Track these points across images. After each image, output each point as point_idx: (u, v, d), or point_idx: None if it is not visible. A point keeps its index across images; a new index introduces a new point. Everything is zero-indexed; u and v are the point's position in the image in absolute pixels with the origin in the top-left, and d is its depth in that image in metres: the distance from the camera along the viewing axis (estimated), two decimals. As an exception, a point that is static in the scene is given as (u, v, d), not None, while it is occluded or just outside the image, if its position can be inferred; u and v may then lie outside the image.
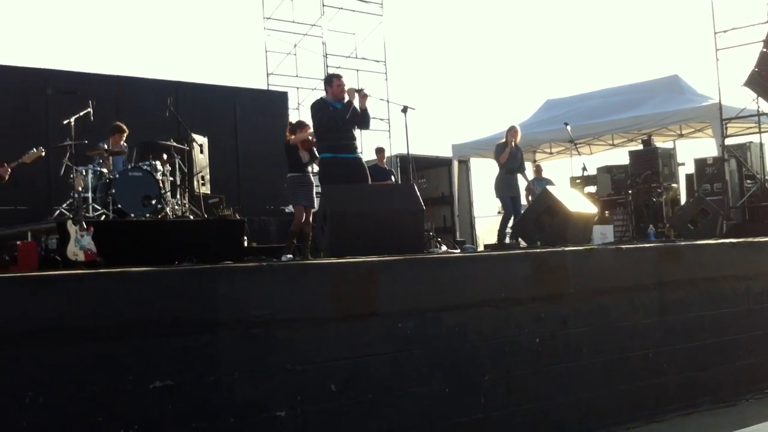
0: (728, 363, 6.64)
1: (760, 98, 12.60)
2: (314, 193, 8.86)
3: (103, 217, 8.31)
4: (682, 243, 7.33)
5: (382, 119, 18.04)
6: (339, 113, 7.91)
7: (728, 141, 13.21)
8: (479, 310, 5.26)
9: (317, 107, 8.08)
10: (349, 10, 18.55)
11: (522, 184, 11.50)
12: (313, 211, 8.71)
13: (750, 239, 7.85)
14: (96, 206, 8.48)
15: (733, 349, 6.69)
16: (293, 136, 8.77)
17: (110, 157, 9.25)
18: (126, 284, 4.06)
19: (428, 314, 5.01)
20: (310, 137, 8.63)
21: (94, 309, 3.91)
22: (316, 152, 8.57)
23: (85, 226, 6.33)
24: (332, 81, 8.27)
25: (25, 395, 3.68)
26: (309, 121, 8.70)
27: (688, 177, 14.24)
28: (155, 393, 3.95)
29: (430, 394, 4.92)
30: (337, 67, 17.53)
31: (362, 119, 8.16)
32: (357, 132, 8.39)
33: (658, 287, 6.29)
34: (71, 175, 8.41)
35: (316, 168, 9.21)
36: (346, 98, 8.03)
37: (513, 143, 11.16)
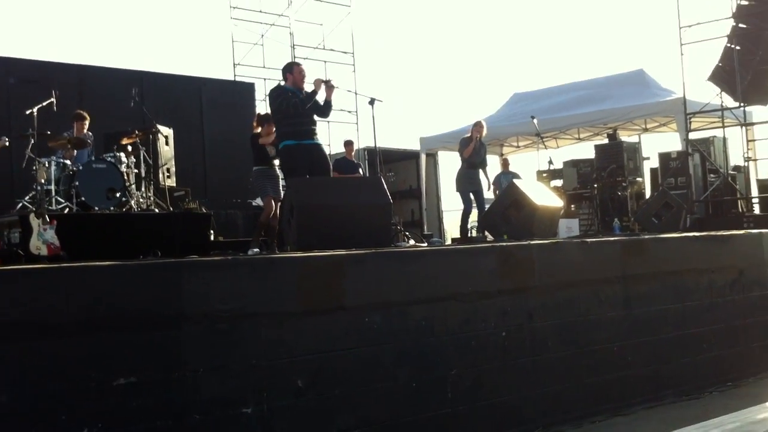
0: (692, 356, 6.72)
1: (723, 93, 12.76)
2: (281, 185, 8.80)
3: (67, 210, 8.19)
4: (647, 236, 7.40)
5: (349, 111, 18.03)
6: (299, 100, 7.80)
7: (692, 135, 13.35)
8: (446, 304, 5.26)
9: (276, 94, 7.94)
10: (317, 1, 18.48)
11: (483, 180, 11.47)
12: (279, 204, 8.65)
13: (713, 233, 7.95)
14: (59, 199, 8.35)
15: (696, 342, 6.77)
16: (262, 136, 8.69)
17: (74, 149, 9.13)
18: (89, 279, 4.00)
19: (395, 308, 5.00)
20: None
21: (55, 304, 3.85)
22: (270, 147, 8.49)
23: (48, 220, 6.22)
24: (293, 68, 8.15)
25: (-16, 393, 3.62)
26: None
27: (653, 171, 14.39)
28: (119, 390, 3.89)
29: (397, 389, 4.92)
30: (304, 58, 17.46)
31: (323, 109, 8.06)
32: (318, 121, 8.27)
33: (623, 280, 6.34)
34: (34, 167, 8.28)
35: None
36: (310, 87, 7.94)
37: (477, 138, 11.17)
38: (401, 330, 5.01)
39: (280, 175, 8.89)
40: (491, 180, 11.87)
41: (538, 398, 5.63)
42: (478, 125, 11.27)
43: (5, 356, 3.69)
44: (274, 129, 8.22)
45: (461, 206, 11.20)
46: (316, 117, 8.08)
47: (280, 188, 8.77)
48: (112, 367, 3.89)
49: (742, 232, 8.11)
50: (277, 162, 8.81)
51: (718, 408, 5.78)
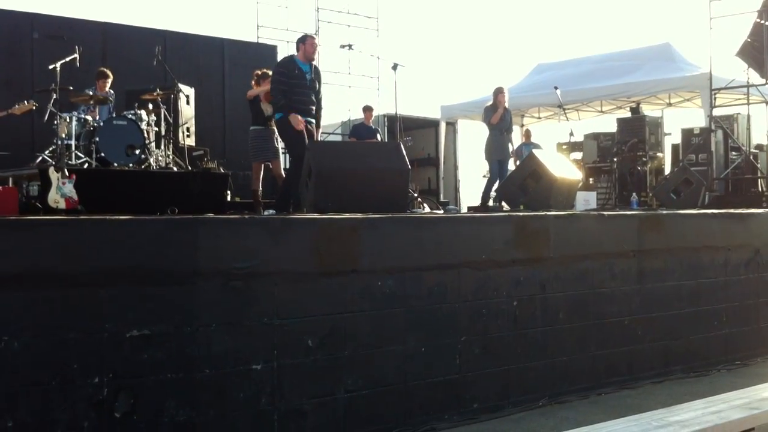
0: (702, 333, 6.72)
1: (750, 69, 12.59)
2: (279, 145, 8.76)
3: (86, 165, 8.24)
4: (664, 212, 7.38)
5: (371, 77, 17.94)
6: (303, 78, 7.75)
7: (716, 112, 13.21)
8: (459, 271, 5.28)
9: (281, 70, 7.81)
10: (343, -35, 18.31)
11: (510, 147, 11.48)
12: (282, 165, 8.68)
13: (731, 210, 7.90)
14: (79, 154, 8.40)
15: (707, 319, 6.77)
16: (254, 89, 8.68)
17: (96, 105, 9.17)
18: (105, 232, 4.05)
19: (409, 273, 5.03)
20: None
21: (72, 255, 3.91)
22: (266, 106, 8.44)
23: (67, 174, 6.26)
24: (306, 40, 8.05)
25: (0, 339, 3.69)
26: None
27: (674, 147, 14.27)
28: (132, 342, 3.96)
29: (407, 353, 4.96)
30: (328, 22, 17.37)
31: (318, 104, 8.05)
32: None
33: (638, 255, 6.33)
34: (55, 122, 8.32)
35: None
36: (316, 59, 7.85)
37: (503, 104, 11.13)
38: (413, 295, 5.04)
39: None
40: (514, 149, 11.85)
41: (546, 368, 5.67)
42: (500, 91, 11.21)
43: (19, 303, 3.75)
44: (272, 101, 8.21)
45: (479, 175, 11.19)
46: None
47: (277, 146, 8.73)
48: (125, 319, 3.96)
49: (760, 210, 8.05)
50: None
51: (726, 385, 5.77)
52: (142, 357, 3.98)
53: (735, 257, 7.05)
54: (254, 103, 8.71)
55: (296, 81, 7.72)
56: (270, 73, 9.01)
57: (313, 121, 7.97)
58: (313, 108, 7.95)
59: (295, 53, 8.08)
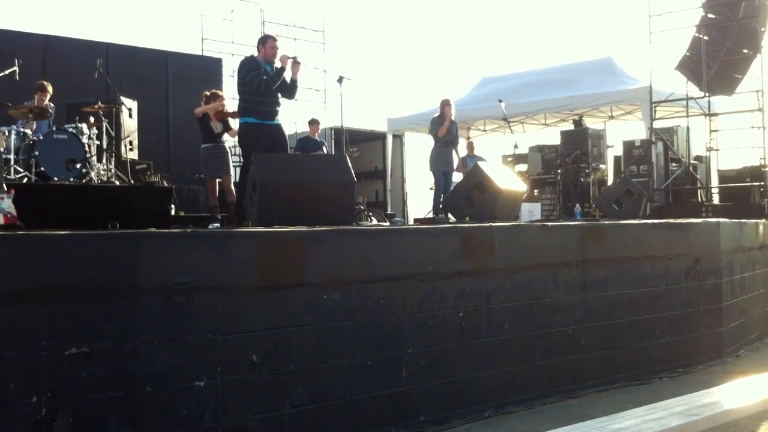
0: (644, 341, 6.82)
1: (689, 83, 12.89)
2: (230, 161, 8.88)
3: (25, 179, 8.09)
4: (606, 222, 7.49)
5: (317, 90, 17.96)
6: (269, 78, 7.76)
7: (656, 124, 13.50)
8: (405, 283, 5.28)
9: (247, 67, 7.87)
10: (289, -23, 18.33)
11: (455, 159, 11.57)
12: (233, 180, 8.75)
13: (671, 221, 8.06)
14: (18, 168, 8.25)
15: (649, 328, 6.87)
16: (202, 107, 8.71)
17: (35, 119, 9.01)
18: (44, 248, 3.96)
19: (354, 286, 5.01)
20: (223, 108, 8.59)
21: (9, 271, 3.81)
22: (234, 120, 8.49)
23: (5, 189, 6.13)
24: (266, 41, 8.08)
25: (-67, 360, 3.58)
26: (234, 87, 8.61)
27: (616, 159, 14.55)
28: (71, 360, 3.87)
29: (353, 366, 4.94)
30: (275, 35, 17.31)
31: (290, 89, 8.03)
32: (283, 100, 8.23)
33: (581, 265, 6.41)
34: (-7, 136, 8.16)
35: (230, 139, 9.18)
36: (278, 64, 7.89)
37: (450, 116, 11.20)
38: (359, 308, 5.02)
39: (230, 150, 8.91)
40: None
41: (492, 379, 5.69)
42: (447, 103, 11.28)
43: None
44: (224, 101, 8.21)
45: (426, 187, 11.25)
46: (281, 97, 8.04)
47: (229, 162, 8.83)
48: (64, 337, 3.86)
49: (699, 220, 8.22)
50: (227, 138, 8.83)
51: (668, 393, 5.88)
52: (81, 375, 3.89)
53: (675, 266, 7.18)
54: (203, 121, 8.70)
55: (261, 84, 7.70)
56: (220, 93, 9.06)
57: (279, 123, 7.99)
58: (278, 109, 7.97)
59: (256, 54, 8.07)
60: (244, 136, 7.93)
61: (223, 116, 8.68)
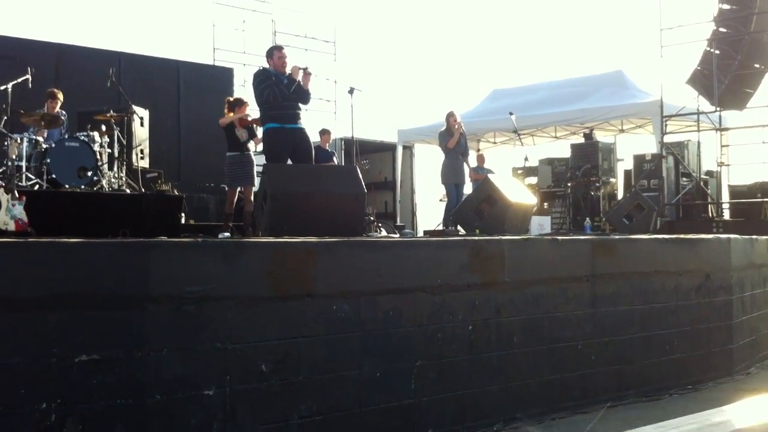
0: (654, 357, 6.77)
1: (700, 97, 12.87)
2: (254, 171, 8.81)
3: (37, 186, 8.12)
4: (616, 237, 7.46)
5: (328, 100, 18.02)
6: (282, 86, 7.79)
7: (667, 138, 13.47)
8: (415, 296, 5.27)
9: (260, 78, 7.91)
10: (300, -12, 18.42)
11: (466, 170, 11.60)
12: (254, 189, 8.69)
13: (681, 236, 8.02)
14: (30, 175, 8.29)
15: (660, 343, 6.83)
16: (227, 116, 8.70)
17: (47, 127, 9.06)
18: (55, 255, 3.97)
19: (364, 297, 5.00)
20: (248, 116, 8.59)
21: (20, 278, 3.82)
22: (258, 127, 8.50)
23: (17, 195, 6.16)
24: (273, 53, 8.13)
25: (-56, 365, 3.59)
26: (249, 97, 8.62)
27: (627, 172, 14.52)
28: (81, 367, 3.87)
29: (362, 378, 4.92)
30: (285, 45, 17.37)
31: (303, 96, 8.07)
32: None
33: (591, 279, 6.38)
34: (6, 143, 8.21)
35: (256, 147, 9.15)
36: (288, 72, 7.92)
37: (458, 128, 11.21)
38: (369, 319, 5.01)
39: (256, 159, 8.89)
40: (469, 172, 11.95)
41: (501, 393, 5.66)
42: (452, 115, 11.31)
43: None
44: (248, 109, 8.23)
45: (435, 199, 11.26)
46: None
47: (254, 173, 8.78)
48: (74, 344, 3.87)
49: (710, 236, 8.18)
50: (252, 146, 8.81)
51: (678, 410, 5.84)
52: (91, 382, 3.89)
53: (686, 282, 7.14)
54: (228, 129, 8.71)
55: (275, 94, 7.74)
56: (244, 99, 9.07)
57: (303, 127, 8.02)
58: (299, 112, 8.00)
59: (267, 66, 8.12)
60: (267, 142, 7.96)
61: (247, 123, 8.69)
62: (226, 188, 9.05)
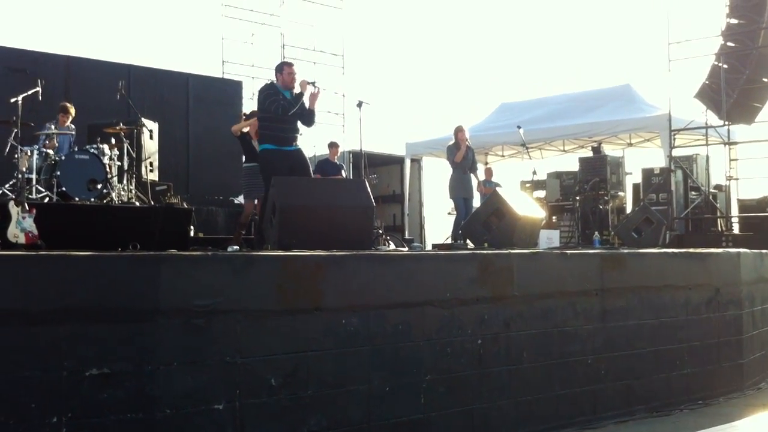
0: (664, 372, 6.74)
1: (708, 111, 12.84)
2: None
3: (47, 199, 8.15)
4: (625, 251, 7.44)
5: (337, 114, 18.05)
6: (287, 103, 7.77)
7: (676, 152, 13.44)
8: (424, 309, 5.26)
9: (266, 93, 7.90)
10: (310, 2, 18.49)
11: (474, 183, 11.59)
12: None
13: (691, 250, 8.00)
14: (40, 188, 8.32)
15: (669, 358, 6.80)
16: (236, 125, 8.73)
17: (56, 138, 9.10)
18: (65, 268, 3.98)
19: (373, 311, 5.00)
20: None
21: (31, 291, 3.83)
22: (257, 143, 8.50)
23: (27, 208, 6.18)
24: (283, 69, 8.10)
25: (-46, 378, 3.59)
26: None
27: (635, 186, 14.49)
28: (91, 381, 3.88)
29: (371, 392, 4.91)
30: (294, 59, 17.44)
31: (308, 117, 8.02)
32: (303, 128, 8.22)
33: (601, 293, 6.36)
34: (16, 155, 8.24)
35: None
36: (297, 89, 7.90)
37: (466, 142, 11.23)
38: (378, 333, 5.00)
39: None
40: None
41: (510, 408, 5.64)
42: (460, 129, 11.32)
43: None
44: (258, 130, 8.21)
45: (444, 212, 11.26)
46: (299, 124, 8.05)
47: None
48: (85, 358, 3.87)
49: (720, 250, 8.16)
50: None
51: (689, 425, 5.81)
52: (101, 396, 3.90)
53: (695, 297, 7.11)
54: (245, 140, 8.73)
55: (279, 111, 7.72)
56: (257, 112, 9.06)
57: (299, 148, 7.99)
58: (297, 135, 7.97)
59: (275, 81, 8.10)
60: (263, 163, 7.94)
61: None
62: (243, 199, 9.04)
